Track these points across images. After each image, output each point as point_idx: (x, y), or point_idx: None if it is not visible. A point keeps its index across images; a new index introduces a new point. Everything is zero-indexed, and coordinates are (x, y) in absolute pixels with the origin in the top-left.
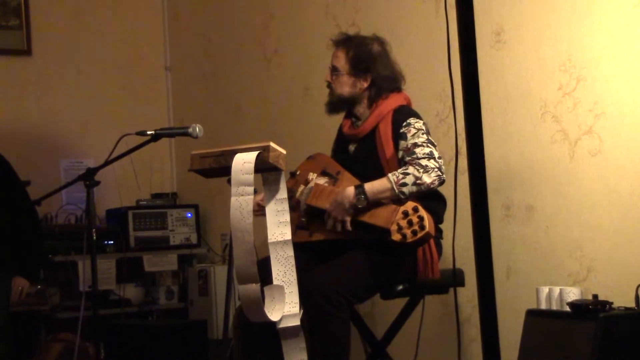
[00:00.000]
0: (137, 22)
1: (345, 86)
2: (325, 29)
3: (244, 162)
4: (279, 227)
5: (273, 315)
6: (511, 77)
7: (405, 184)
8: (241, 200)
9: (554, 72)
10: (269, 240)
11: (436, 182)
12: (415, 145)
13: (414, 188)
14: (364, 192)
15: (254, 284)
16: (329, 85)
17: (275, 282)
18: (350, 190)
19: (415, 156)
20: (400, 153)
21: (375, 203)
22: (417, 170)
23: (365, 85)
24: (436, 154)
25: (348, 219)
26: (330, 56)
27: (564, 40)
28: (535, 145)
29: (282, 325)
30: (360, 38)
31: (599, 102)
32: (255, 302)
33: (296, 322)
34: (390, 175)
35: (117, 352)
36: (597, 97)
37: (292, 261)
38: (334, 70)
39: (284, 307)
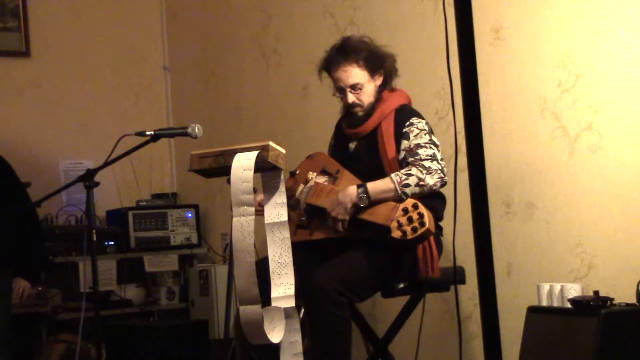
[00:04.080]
0: (135, 22)
1: (372, 91)
2: (323, 28)
3: (242, 181)
4: (275, 208)
5: (273, 337)
6: (510, 74)
7: (408, 185)
8: (242, 220)
9: (553, 68)
10: (266, 222)
11: (438, 184)
12: (418, 146)
13: (417, 189)
14: (366, 192)
15: (254, 306)
16: (355, 104)
17: (271, 263)
18: (353, 189)
19: (418, 157)
20: (403, 153)
21: (377, 202)
22: (420, 171)
23: (381, 79)
24: (439, 156)
25: (347, 218)
26: (334, 79)
27: (562, 36)
28: (534, 142)
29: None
30: (351, 44)
31: (599, 99)
32: (256, 324)
33: (290, 303)
34: (393, 175)
35: (118, 353)
36: (597, 93)
37: (288, 242)
38: (356, 88)
39: (283, 328)
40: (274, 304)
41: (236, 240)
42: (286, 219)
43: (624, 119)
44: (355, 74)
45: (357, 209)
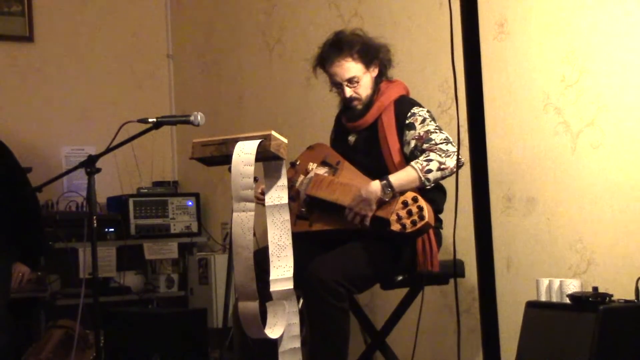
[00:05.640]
0: (139, 9)
1: (369, 83)
2: (328, 19)
3: (242, 177)
4: (276, 190)
5: (272, 332)
6: (514, 68)
7: (430, 170)
8: (242, 216)
9: (556, 64)
10: (266, 204)
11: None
12: (429, 132)
13: (439, 173)
14: (390, 185)
15: (252, 302)
16: (353, 98)
17: (270, 245)
18: (377, 185)
19: (433, 142)
20: (413, 142)
21: (399, 194)
22: (440, 155)
23: (377, 71)
24: (451, 138)
25: (370, 214)
26: (330, 75)
27: (567, 32)
28: (537, 137)
29: (275, 288)
30: (344, 38)
31: (602, 95)
32: (254, 319)
33: (289, 285)
34: (413, 163)
35: (116, 340)
36: (600, 89)
37: (288, 225)
38: (352, 81)
39: (284, 323)
40: (272, 286)
41: (236, 235)
42: (287, 201)
43: (627, 115)
44: (350, 67)
45: (380, 203)
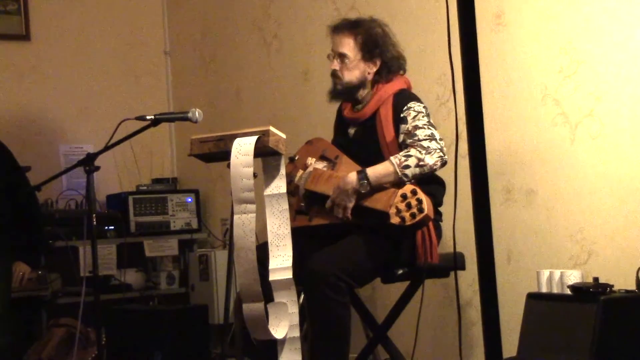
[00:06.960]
0: (136, 6)
1: (356, 72)
2: (324, 13)
3: (242, 179)
4: (274, 180)
5: (277, 333)
6: (512, 60)
7: (407, 166)
8: (244, 218)
9: (554, 54)
10: (265, 193)
11: (439, 163)
12: (416, 127)
13: (417, 170)
14: (366, 177)
15: (257, 303)
16: (335, 73)
17: (269, 235)
18: (353, 176)
19: (416, 138)
20: (402, 137)
21: (378, 187)
22: (419, 152)
23: (375, 69)
24: (437, 136)
25: (350, 205)
26: (331, 42)
27: (564, 22)
28: (536, 129)
29: (274, 278)
30: (366, 22)
31: (600, 85)
32: (259, 320)
33: (288, 275)
34: (392, 158)
35: (118, 337)
36: (598, 80)
37: (287, 214)
38: (342, 57)
39: (287, 324)
40: (271, 275)
41: (237, 237)
42: (285, 190)
43: (625, 106)
44: (347, 43)
45: (359, 195)
